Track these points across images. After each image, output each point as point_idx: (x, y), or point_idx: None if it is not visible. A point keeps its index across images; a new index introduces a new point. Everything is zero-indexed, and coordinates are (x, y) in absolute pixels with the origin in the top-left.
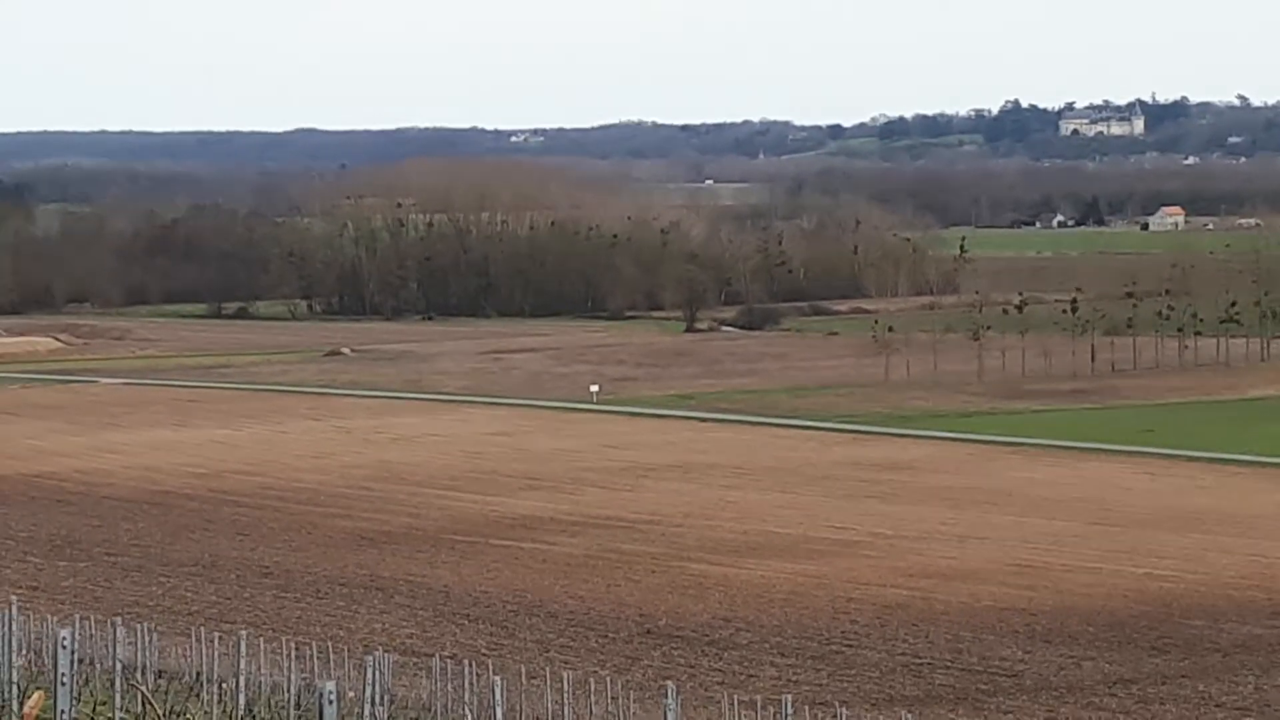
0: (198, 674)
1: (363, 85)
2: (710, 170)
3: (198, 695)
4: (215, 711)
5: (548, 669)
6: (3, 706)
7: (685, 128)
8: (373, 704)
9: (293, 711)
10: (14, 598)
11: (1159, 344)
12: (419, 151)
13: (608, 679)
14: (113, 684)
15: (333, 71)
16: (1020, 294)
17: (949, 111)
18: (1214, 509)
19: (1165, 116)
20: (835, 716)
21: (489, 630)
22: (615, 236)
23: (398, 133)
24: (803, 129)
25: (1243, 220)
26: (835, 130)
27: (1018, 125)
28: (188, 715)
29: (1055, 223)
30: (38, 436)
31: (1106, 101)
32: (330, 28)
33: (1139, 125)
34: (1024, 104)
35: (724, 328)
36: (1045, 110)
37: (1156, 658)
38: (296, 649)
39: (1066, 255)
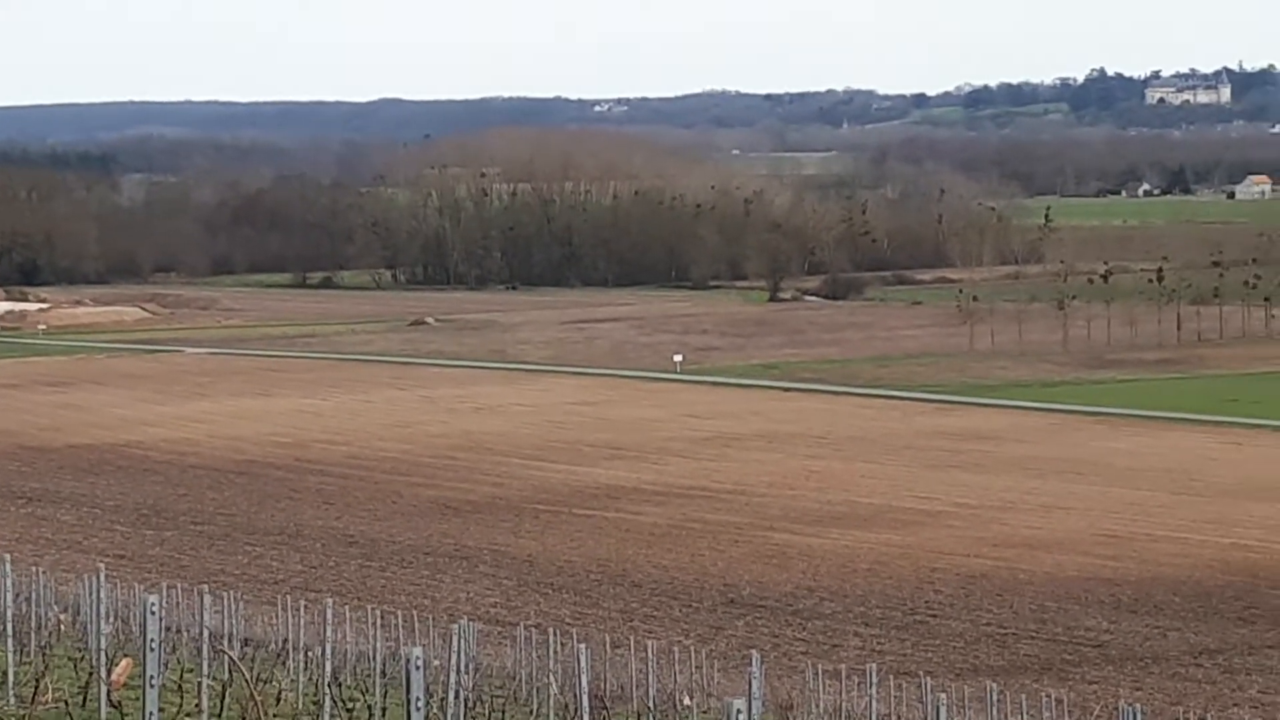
0: (284, 642)
1: (447, 55)
2: (794, 139)
3: (284, 663)
4: (301, 679)
5: (631, 638)
6: (91, 673)
7: (769, 97)
8: (457, 672)
9: (378, 679)
10: (101, 566)
11: (1245, 313)
12: (503, 121)
13: (691, 648)
14: (199, 651)
15: (417, 41)
16: (1105, 263)
17: (1034, 80)
18: None
19: (1252, 84)
20: (919, 686)
21: (573, 599)
22: (699, 206)
23: (482, 102)
24: (887, 98)
25: None
26: (920, 99)
27: (1103, 94)
28: (274, 682)
29: (1141, 192)
30: (124, 406)
31: (1193, 69)
32: None
33: (1225, 93)
34: (1110, 72)
35: (807, 297)
36: (1131, 79)
37: (1243, 628)
38: (382, 618)
39: (1152, 224)
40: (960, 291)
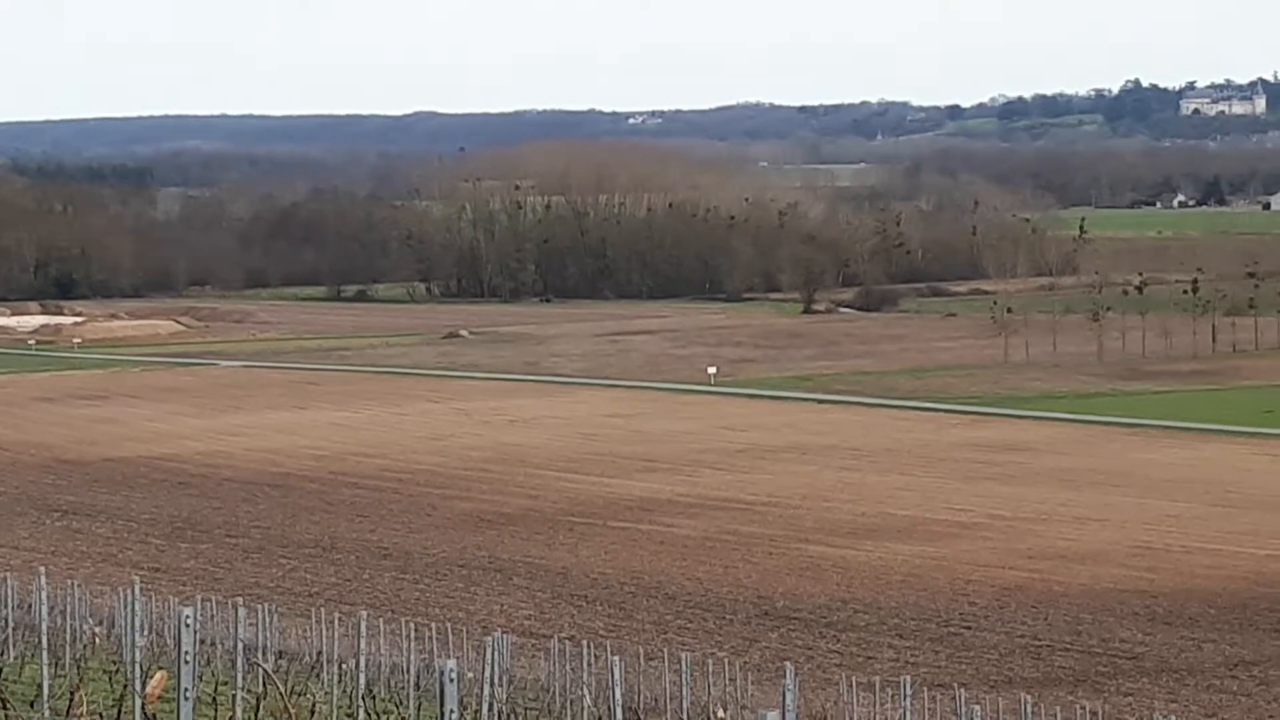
0: (318, 654)
1: (481, 68)
2: (828, 152)
3: (318, 675)
4: (336, 691)
5: (665, 650)
6: (126, 686)
7: (803, 109)
8: (491, 684)
9: (413, 692)
10: (136, 579)
11: None
12: (537, 134)
13: (725, 660)
14: (234, 664)
15: (452, 55)
16: (1140, 274)
17: (1068, 91)
18: None
19: None
20: (954, 699)
21: (607, 611)
22: (733, 218)
23: (516, 115)
24: (921, 109)
25: None
26: (954, 110)
27: (1138, 105)
28: (309, 695)
29: (1176, 203)
30: (159, 419)
31: (1228, 80)
32: (449, 11)
33: (1261, 104)
34: (1144, 83)
35: (841, 309)
36: (1166, 90)
37: (1278, 640)
38: (416, 630)
39: (1187, 235)
40: (995, 303)
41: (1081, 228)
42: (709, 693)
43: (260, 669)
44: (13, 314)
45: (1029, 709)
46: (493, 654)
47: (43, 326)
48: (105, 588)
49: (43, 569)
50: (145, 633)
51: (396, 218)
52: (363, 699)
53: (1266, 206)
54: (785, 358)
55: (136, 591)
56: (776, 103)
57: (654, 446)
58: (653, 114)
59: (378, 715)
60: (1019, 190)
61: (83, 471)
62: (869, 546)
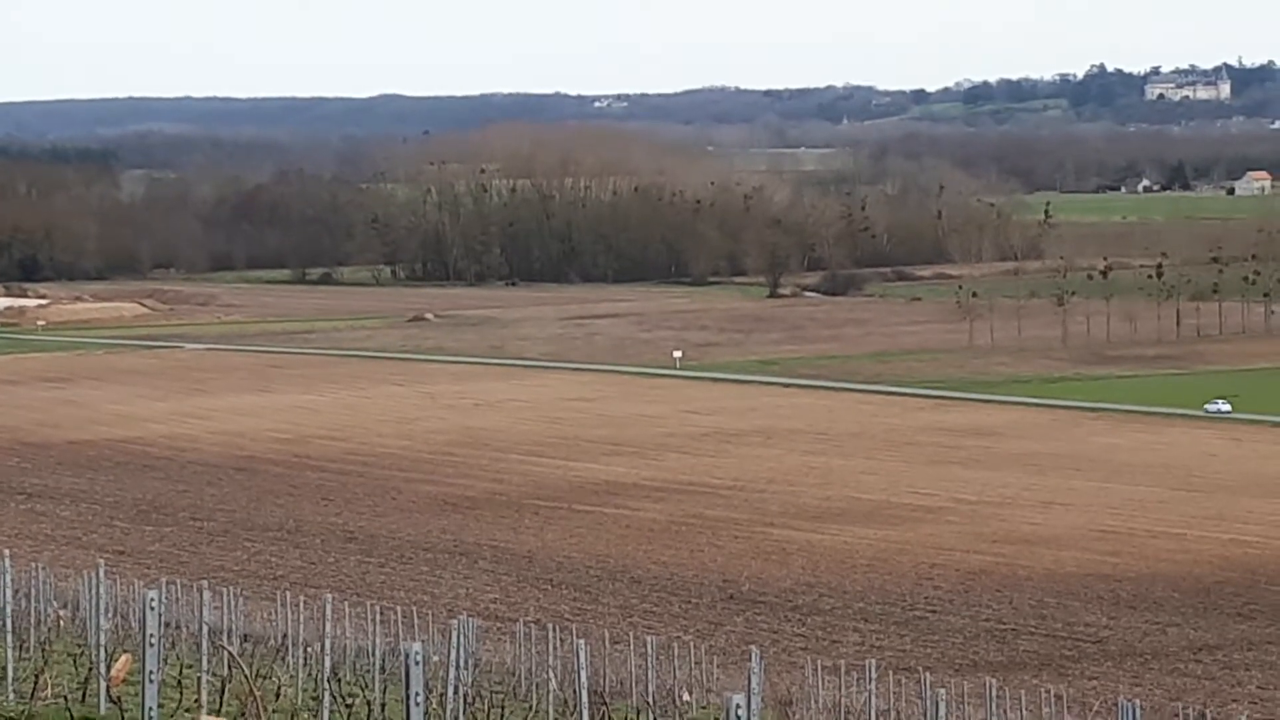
0: (283, 637)
1: (447, 51)
2: (793, 136)
3: (283, 658)
4: (301, 674)
5: (631, 634)
6: (91, 669)
7: (768, 93)
8: (457, 668)
9: (378, 675)
10: (101, 562)
11: (1245, 309)
12: (502, 117)
13: (691, 644)
14: (199, 647)
15: (417, 37)
16: (1105, 259)
17: (1033, 76)
18: None
19: (1252, 80)
20: (919, 682)
21: (572, 595)
22: (698, 202)
23: (481, 99)
24: (886, 94)
25: None
26: (919, 95)
27: (1103, 90)
28: (274, 678)
29: (1140, 188)
30: (123, 402)
31: (1193, 65)
32: None
33: (1225, 89)
34: (1109, 68)
35: (807, 293)
36: (1131, 74)
37: (1242, 624)
38: (381, 613)
39: (1152, 220)
40: (960, 287)
41: (1046, 212)
42: (674, 676)
43: (225, 652)
44: None
45: (994, 692)
46: (458, 637)
47: (6, 309)
48: (70, 571)
49: (6, 552)
50: (110, 616)
51: (361, 201)
52: (328, 682)
53: (1230, 191)
54: (750, 342)
55: (101, 574)
56: (742, 87)
57: (619, 430)
58: (618, 97)
59: (343, 698)
60: (984, 175)
61: (47, 454)
62: (834, 530)
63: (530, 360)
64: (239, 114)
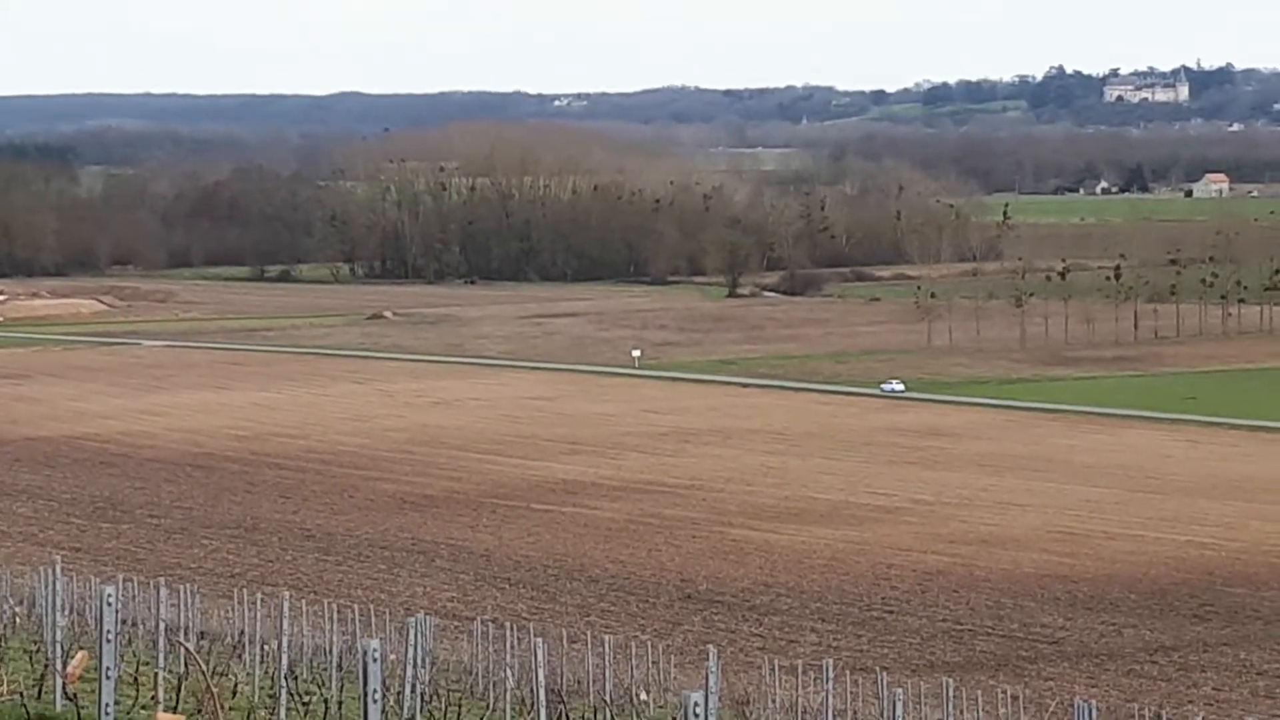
0: (240, 635)
1: (406, 49)
2: (753, 135)
3: (240, 656)
4: (258, 671)
5: (589, 633)
6: (47, 665)
7: (728, 92)
8: (414, 666)
9: (335, 672)
10: (58, 559)
11: (1202, 311)
12: (462, 115)
13: (648, 643)
14: (156, 644)
15: (376, 35)
16: (1063, 261)
17: (993, 77)
18: (1256, 477)
19: (1210, 83)
20: (876, 682)
21: (530, 594)
22: (658, 201)
23: (440, 96)
24: (846, 94)
25: None
26: (879, 96)
27: (1062, 91)
28: (230, 675)
29: (1099, 190)
30: (81, 398)
31: (1151, 68)
32: None
33: (1184, 92)
34: (1068, 70)
35: (766, 293)
36: (1090, 76)
37: (1198, 625)
38: (338, 611)
39: (1110, 222)
40: (918, 288)
41: (1005, 213)
42: (632, 675)
43: (182, 649)
44: None
45: (951, 693)
46: (416, 635)
47: None
48: (26, 567)
49: None
50: (66, 613)
51: (320, 198)
52: (285, 679)
53: (1189, 194)
54: (709, 341)
55: (58, 571)
56: (702, 86)
57: (577, 429)
58: (578, 96)
59: (300, 696)
60: (943, 176)
61: (3, 450)
62: (792, 530)
63: (489, 359)
64: (198, 110)
